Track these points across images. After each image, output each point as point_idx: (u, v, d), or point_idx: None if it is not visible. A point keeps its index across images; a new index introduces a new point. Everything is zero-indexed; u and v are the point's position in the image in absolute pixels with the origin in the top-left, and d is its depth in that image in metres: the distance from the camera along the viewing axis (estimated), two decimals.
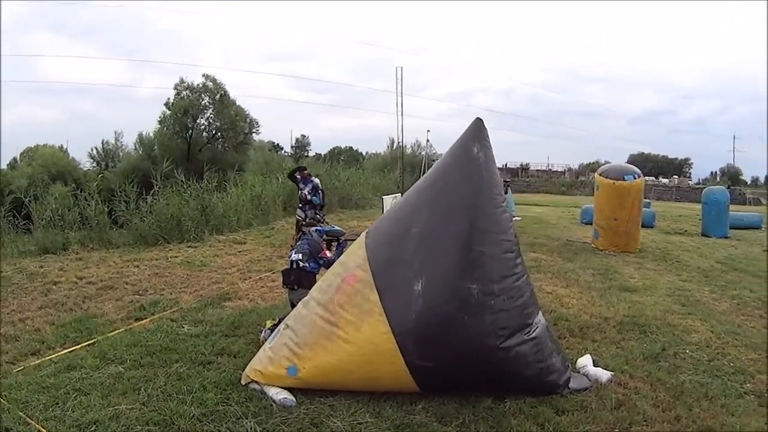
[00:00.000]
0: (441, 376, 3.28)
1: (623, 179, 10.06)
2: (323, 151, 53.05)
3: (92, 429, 2.91)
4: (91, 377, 3.63)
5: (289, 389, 3.33)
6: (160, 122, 29.22)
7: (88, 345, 4.31)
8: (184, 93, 28.45)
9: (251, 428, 2.94)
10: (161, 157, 15.58)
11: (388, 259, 3.41)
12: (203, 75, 29.57)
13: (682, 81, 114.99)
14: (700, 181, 63.41)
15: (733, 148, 60.76)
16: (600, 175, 10.65)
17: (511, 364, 3.30)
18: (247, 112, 30.92)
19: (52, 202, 9.51)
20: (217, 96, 28.92)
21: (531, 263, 8.60)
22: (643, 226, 15.75)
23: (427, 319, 3.20)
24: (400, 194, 14.12)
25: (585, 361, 3.98)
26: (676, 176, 62.55)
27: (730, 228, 15.16)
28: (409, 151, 32.22)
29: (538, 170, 63.22)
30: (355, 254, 3.59)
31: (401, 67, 24.13)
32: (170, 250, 8.99)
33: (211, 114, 29.31)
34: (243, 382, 3.48)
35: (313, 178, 8.99)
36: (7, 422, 2.92)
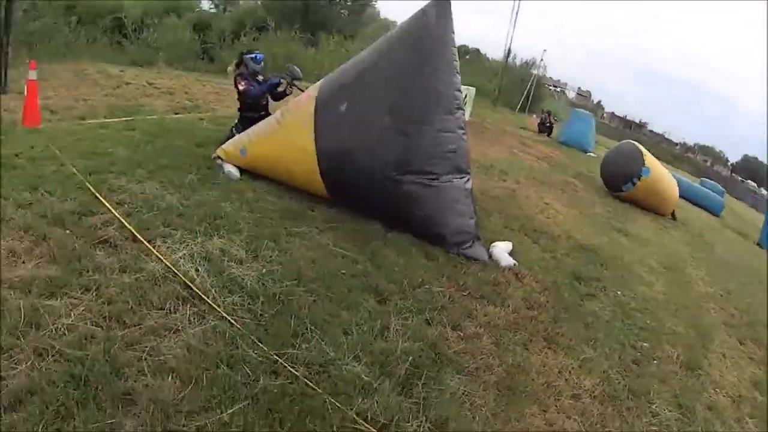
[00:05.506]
0: (345, 186, 3.85)
1: (621, 191, 8.93)
2: None
3: (91, 157, 3.97)
4: (112, 135, 4.74)
5: (240, 169, 4.21)
6: None
7: (126, 120, 5.39)
8: None
9: (191, 178, 3.89)
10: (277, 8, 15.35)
11: (332, 84, 4.01)
12: None
13: None
14: None
15: None
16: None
17: (400, 197, 3.73)
18: None
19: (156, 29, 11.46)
20: None
21: (561, 183, 8.67)
22: (708, 211, 14.68)
23: (342, 135, 3.76)
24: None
25: (500, 244, 4.01)
26: None
27: None
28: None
29: (652, 131, 57.60)
30: (310, 90, 4.21)
31: None
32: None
33: None
34: (212, 156, 4.41)
35: None
36: (36, 153, 3.83)
